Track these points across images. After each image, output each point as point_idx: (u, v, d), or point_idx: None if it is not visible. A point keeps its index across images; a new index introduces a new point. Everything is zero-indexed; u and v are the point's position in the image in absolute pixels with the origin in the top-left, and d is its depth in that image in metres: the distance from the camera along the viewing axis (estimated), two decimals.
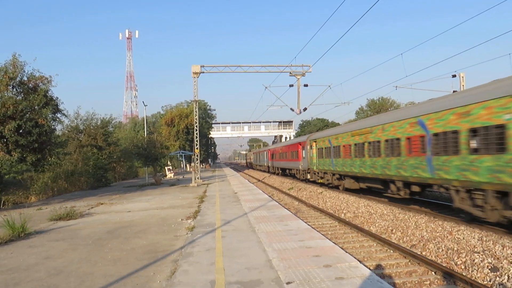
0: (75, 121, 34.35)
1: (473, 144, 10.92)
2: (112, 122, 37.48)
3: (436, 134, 12.70)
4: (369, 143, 18.08)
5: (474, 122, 10.85)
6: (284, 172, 41.66)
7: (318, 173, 27.11)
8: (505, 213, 9.91)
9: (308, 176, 29.78)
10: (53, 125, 21.16)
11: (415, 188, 14.62)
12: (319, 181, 27.07)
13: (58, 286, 6.24)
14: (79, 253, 8.48)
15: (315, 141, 27.87)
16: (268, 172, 54.19)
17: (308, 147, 29.59)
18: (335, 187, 23.72)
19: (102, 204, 18.31)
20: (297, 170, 34.06)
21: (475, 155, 10.79)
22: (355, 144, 19.87)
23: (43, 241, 10.04)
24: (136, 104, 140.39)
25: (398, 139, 15.27)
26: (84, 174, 30.95)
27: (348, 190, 21.71)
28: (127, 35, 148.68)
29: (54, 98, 20.46)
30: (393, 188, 16.05)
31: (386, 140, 16.29)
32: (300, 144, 32.37)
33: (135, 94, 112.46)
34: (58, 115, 21.25)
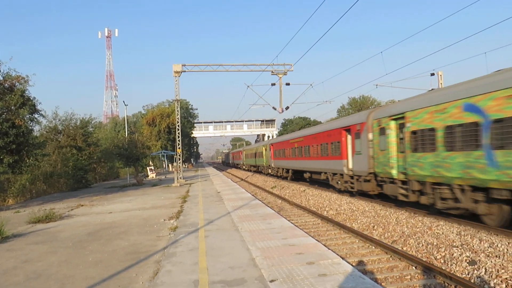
0: (54, 121, 33.56)
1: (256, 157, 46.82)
2: (92, 122, 36.78)
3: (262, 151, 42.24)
4: (255, 153, 47.56)
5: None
6: (237, 166, 74.84)
7: (246, 165, 59.49)
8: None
9: (244, 167, 62.16)
10: (31, 126, 20.67)
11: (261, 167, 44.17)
12: (245, 169, 60.32)
13: None
14: (59, 256, 8.32)
15: (244, 150, 62.58)
16: (230, 166, 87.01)
17: (244, 153, 62.35)
18: (256, 171, 49.69)
19: (82, 205, 18.00)
20: (241, 164, 65.99)
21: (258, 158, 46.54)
22: (250, 153, 52.73)
23: (22, 244, 9.81)
24: (117, 104, 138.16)
25: (260, 151, 44.53)
26: (63, 175, 30.30)
27: (260, 172, 46.39)
28: (106, 34, 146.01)
29: (31, 98, 19.96)
30: (261, 168, 43.59)
31: (259, 151, 43.81)
32: (241, 152, 67.61)
33: (115, 93, 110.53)
34: (36, 115, 20.75)
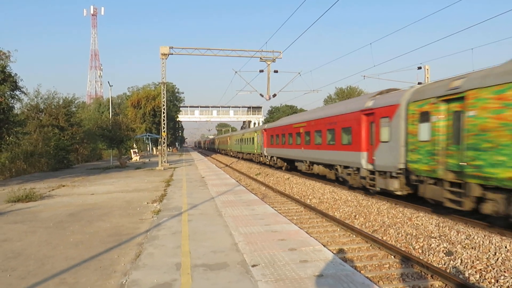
0: (35, 99, 32.85)
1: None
2: (75, 102, 36.15)
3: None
4: (222, 141, 73.64)
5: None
6: (215, 151, 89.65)
7: (219, 148, 76.64)
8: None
9: (218, 150, 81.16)
10: (12, 103, 20.19)
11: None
12: (218, 151, 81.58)
13: (16, 269, 6.04)
14: (39, 236, 8.22)
15: (218, 139, 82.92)
16: (205, 149, 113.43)
17: (217, 141, 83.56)
18: (225, 154, 67.07)
19: (64, 186, 17.76)
20: (216, 149, 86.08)
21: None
22: (222, 141, 73.62)
23: (0, 223, 9.64)
24: (101, 84, 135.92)
25: (225, 140, 68.31)
26: (44, 155, 29.76)
27: (226, 154, 64.79)
28: (92, 12, 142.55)
29: (12, 75, 19.45)
30: (227, 151, 63.63)
31: (226, 140, 66.29)
32: (215, 140, 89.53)
33: (100, 73, 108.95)
34: (17, 92, 20.28)
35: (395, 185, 13.08)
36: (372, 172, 14.82)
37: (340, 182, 18.86)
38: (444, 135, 10.75)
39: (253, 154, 38.68)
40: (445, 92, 10.60)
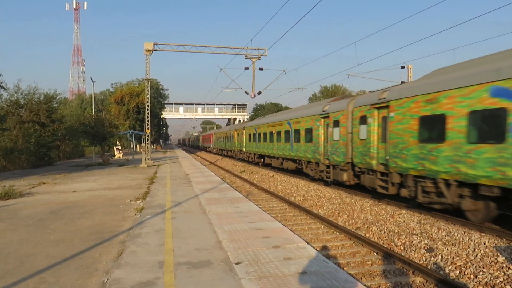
0: (15, 95, 32.06)
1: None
2: (57, 97, 35.40)
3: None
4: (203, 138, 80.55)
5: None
6: (198, 148, 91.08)
7: (195, 145, 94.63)
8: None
9: (195, 146, 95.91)
10: None
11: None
12: (194, 146, 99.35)
13: None
14: (19, 234, 8.05)
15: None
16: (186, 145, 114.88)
17: (201, 138, 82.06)
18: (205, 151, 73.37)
19: (44, 183, 17.43)
20: (197, 145, 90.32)
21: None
22: (203, 139, 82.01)
23: None
24: (84, 80, 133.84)
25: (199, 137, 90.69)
26: (25, 151, 29.11)
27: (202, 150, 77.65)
28: (74, 6, 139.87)
29: None
30: (207, 148, 72.17)
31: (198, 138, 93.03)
32: (204, 136, 79.55)
33: (83, 69, 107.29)
34: None
35: None
36: None
37: None
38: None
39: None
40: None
